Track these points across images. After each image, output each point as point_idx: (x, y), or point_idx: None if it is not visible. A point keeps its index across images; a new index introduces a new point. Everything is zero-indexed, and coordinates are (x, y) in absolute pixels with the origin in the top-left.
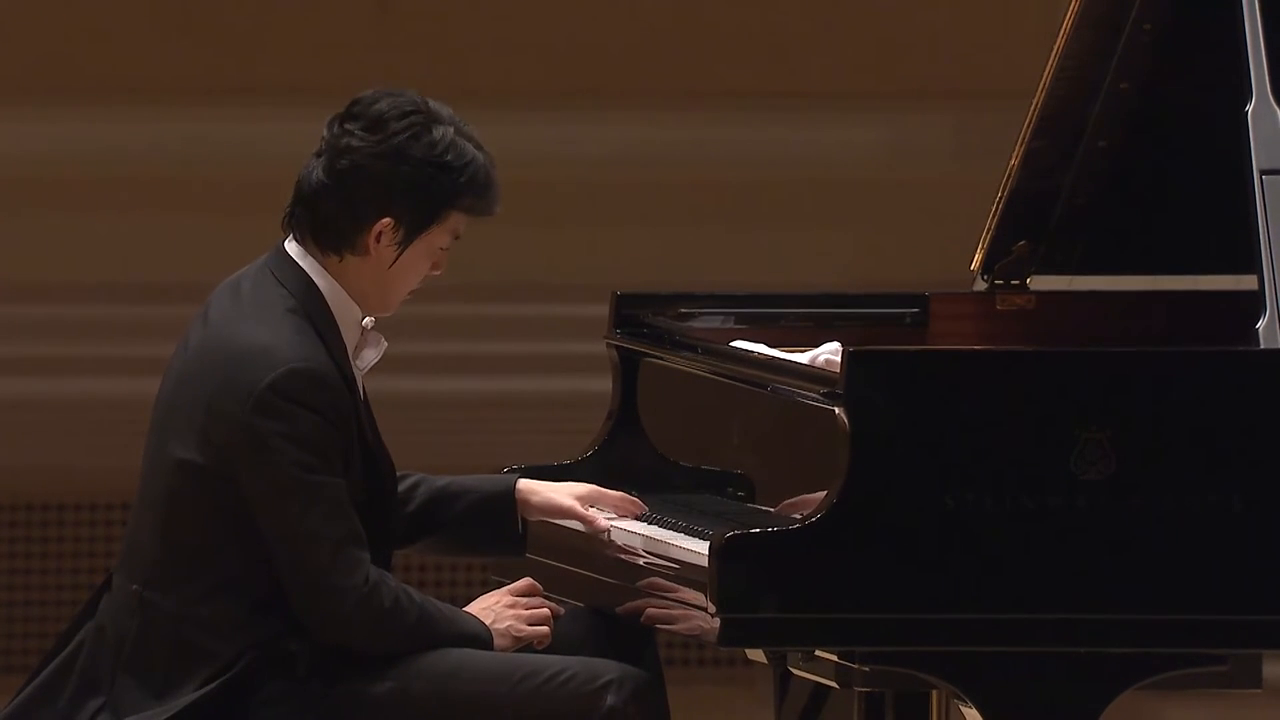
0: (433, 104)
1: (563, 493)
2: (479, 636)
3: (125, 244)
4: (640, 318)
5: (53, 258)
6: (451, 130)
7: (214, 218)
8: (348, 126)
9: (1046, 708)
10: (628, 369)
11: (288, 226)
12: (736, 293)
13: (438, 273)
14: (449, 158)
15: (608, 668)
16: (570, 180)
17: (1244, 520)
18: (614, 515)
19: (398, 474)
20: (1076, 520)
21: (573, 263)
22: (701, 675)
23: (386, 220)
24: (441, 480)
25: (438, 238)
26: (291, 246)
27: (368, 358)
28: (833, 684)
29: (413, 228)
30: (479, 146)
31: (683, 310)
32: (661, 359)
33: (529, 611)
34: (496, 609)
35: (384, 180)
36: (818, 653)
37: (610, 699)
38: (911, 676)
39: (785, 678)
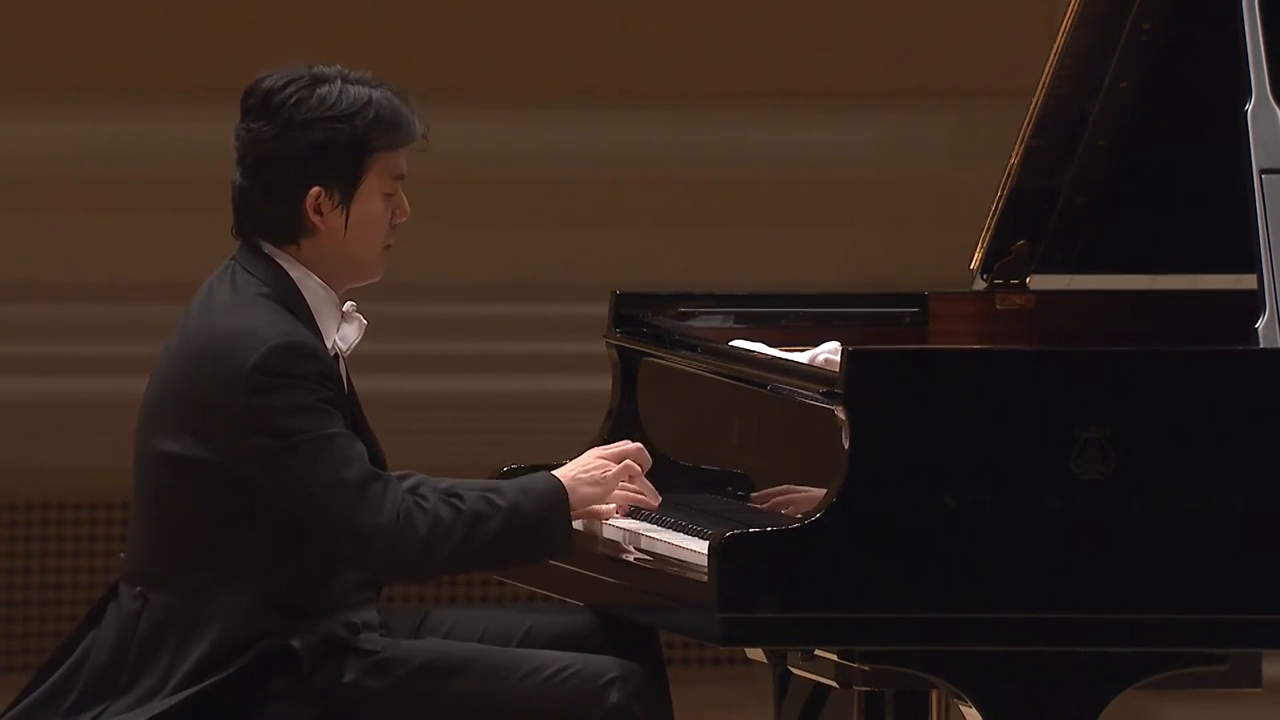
0: (317, 67)
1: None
2: (549, 494)
3: (126, 243)
4: (640, 317)
5: (53, 257)
6: (339, 81)
7: (214, 218)
8: (242, 124)
9: (1046, 707)
10: (627, 368)
11: (239, 236)
12: (736, 292)
13: (403, 219)
14: (342, 107)
15: (611, 665)
16: (569, 179)
17: (1244, 520)
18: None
19: (398, 474)
20: (1076, 520)
21: (572, 262)
22: (701, 674)
23: (315, 190)
24: (444, 483)
25: (376, 184)
26: (257, 242)
27: (349, 336)
28: (832, 683)
29: (344, 186)
30: (375, 85)
31: (682, 309)
32: (661, 358)
33: (614, 448)
34: (588, 460)
35: (291, 156)
36: (817, 652)
37: (614, 696)
38: (911, 676)
39: (785, 677)
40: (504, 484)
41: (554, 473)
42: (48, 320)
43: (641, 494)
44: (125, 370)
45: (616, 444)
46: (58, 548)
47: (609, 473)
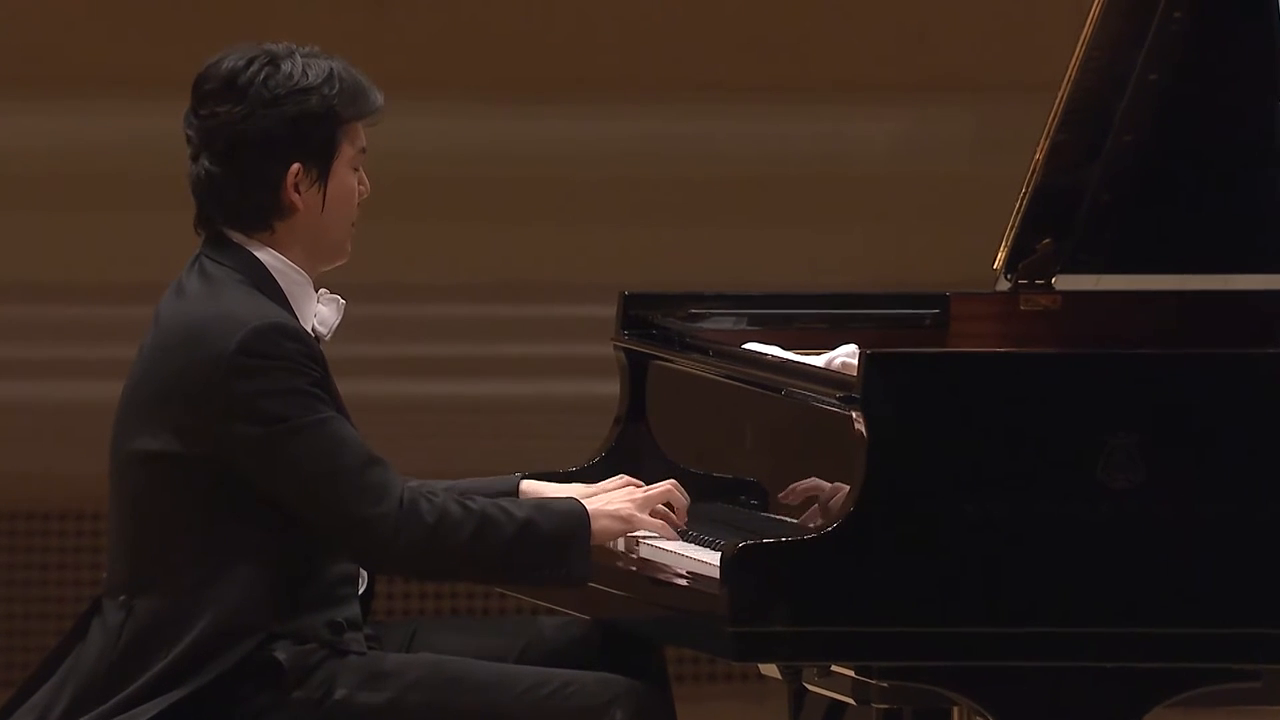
0: (266, 44)
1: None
2: (569, 515)
3: (117, 243)
4: (649, 319)
5: (37, 257)
6: (297, 56)
7: None
8: (204, 110)
9: None
10: (636, 372)
11: (202, 229)
12: (749, 293)
13: (365, 192)
14: (309, 80)
15: (614, 683)
16: (574, 176)
17: (1278, 530)
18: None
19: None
20: (1104, 530)
21: (577, 262)
22: (713, 691)
23: (295, 167)
24: (441, 485)
25: (347, 156)
26: (223, 232)
27: (328, 319)
28: (849, 700)
29: (320, 159)
30: (329, 58)
31: (693, 311)
32: (671, 362)
33: (651, 493)
34: (611, 491)
35: (268, 133)
36: (834, 667)
37: (616, 715)
38: (931, 692)
39: (800, 694)
40: (522, 500)
41: (577, 498)
42: (31, 322)
43: (657, 499)
44: (112, 374)
45: (654, 486)
46: (42, 559)
47: (635, 516)
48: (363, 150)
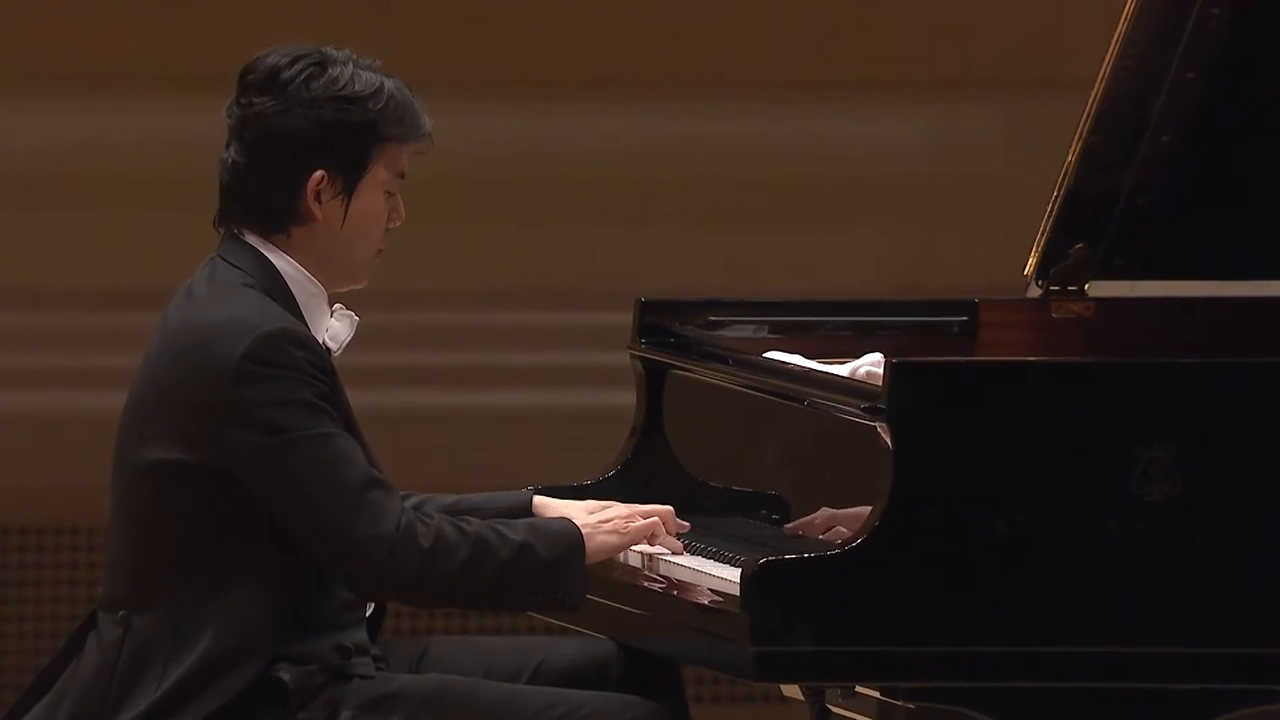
0: (325, 47)
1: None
2: (564, 539)
3: (107, 246)
4: (666, 326)
5: (26, 260)
6: (350, 64)
7: (204, 217)
8: (244, 100)
9: None
10: (653, 381)
11: (222, 225)
12: (770, 299)
13: (398, 223)
14: (355, 89)
15: (631, 704)
16: (588, 177)
17: None
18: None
19: (401, 494)
20: (1138, 546)
21: (592, 267)
22: (733, 713)
23: (318, 174)
24: (448, 499)
25: (380, 178)
26: (240, 233)
27: (340, 334)
28: None
29: (348, 173)
30: (386, 75)
31: (712, 318)
32: (689, 371)
33: (645, 508)
34: (612, 510)
35: (298, 133)
36: (858, 688)
37: None
38: (959, 714)
39: (823, 715)
40: (515, 521)
41: (572, 519)
42: (22, 329)
43: (652, 519)
44: (108, 384)
45: (649, 506)
46: (36, 575)
47: (631, 525)
48: (401, 175)
